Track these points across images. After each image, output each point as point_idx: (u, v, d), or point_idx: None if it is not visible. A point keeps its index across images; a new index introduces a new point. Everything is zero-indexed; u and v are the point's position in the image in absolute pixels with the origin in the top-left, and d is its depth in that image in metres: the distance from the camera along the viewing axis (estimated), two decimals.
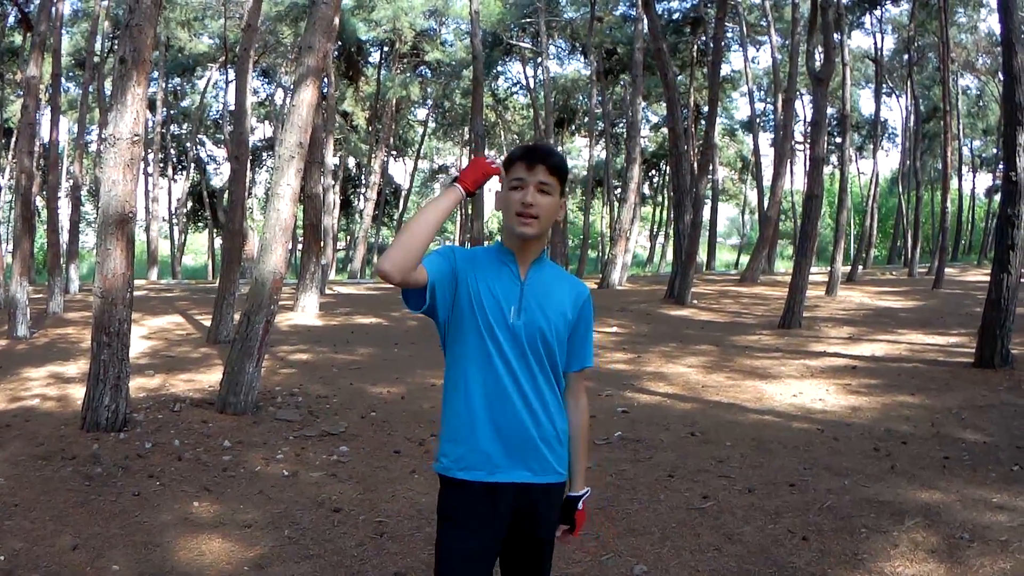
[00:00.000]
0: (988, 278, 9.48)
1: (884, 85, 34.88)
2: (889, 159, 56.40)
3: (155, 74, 35.12)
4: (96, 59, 24.48)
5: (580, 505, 2.54)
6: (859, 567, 4.03)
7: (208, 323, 13.14)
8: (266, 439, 6.67)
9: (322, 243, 21.36)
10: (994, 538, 4.28)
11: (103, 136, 6.59)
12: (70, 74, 34.08)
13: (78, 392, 7.81)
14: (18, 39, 26.07)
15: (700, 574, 4.00)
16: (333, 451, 6.39)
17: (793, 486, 5.30)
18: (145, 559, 4.26)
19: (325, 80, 24.35)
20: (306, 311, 16.18)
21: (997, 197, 47.50)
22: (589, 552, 4.28)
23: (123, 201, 6.36)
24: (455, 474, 2.38)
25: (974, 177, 49.54)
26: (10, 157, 30.50)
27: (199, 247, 58.29)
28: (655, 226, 52.03)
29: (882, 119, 38.26)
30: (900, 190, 37.74)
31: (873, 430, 6.77)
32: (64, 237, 20.60)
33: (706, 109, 26.30)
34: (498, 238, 2.58)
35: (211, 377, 9.11)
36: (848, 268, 25.37)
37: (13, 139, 26.09)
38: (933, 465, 5.70)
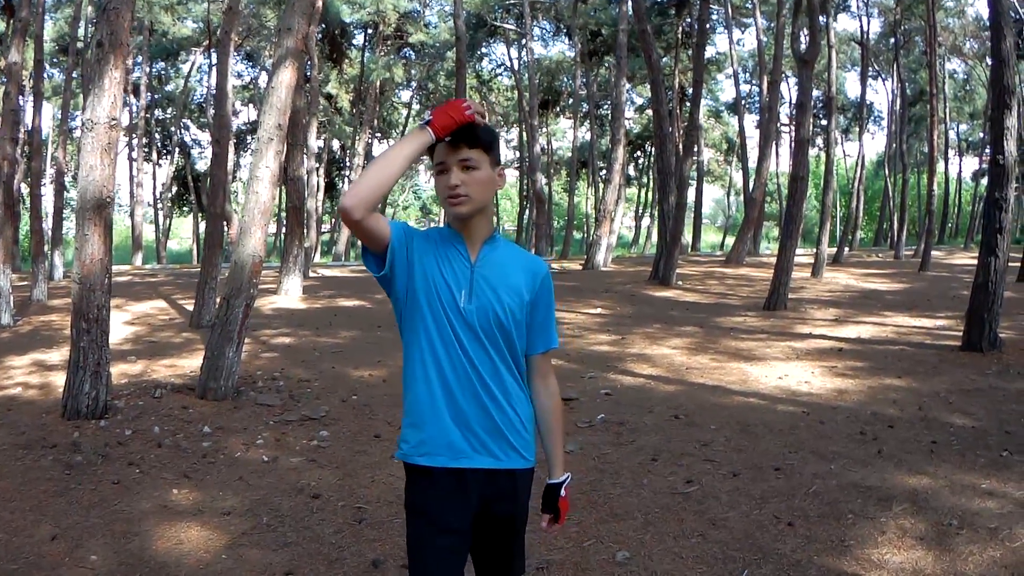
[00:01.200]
0: (975, 261, 9.48)
1: (870, 68, 34.89)
2: (875, 142, 56.67)
3: (139, 59, 34.88)
4: (80, 45, 24.15)
5: (563, 492, 2.46)
6: (846, 554, 3.99)
7: (192, 308, 13.03)
8: (246, 424, 6.62)
9: (305, 226, 21.25)
10: (983, 525, 4.24)
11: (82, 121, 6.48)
12: (54, 60, 33.69)
13: (60, 379, 7.69)
14: (1, 25, 25.71)
15: (684, 561, 3.97)
16: (313, 436, 6.34)
17: (778, 470, 5.27)
18: (123, 548, 4.21)
19: (308, 62, 24.15)
20: (289, 294, 16.08)
21: (984, 181, 47.85)
22: (571, 538, 4.25)
23: (100, 186, 6.27)
24: (416, 460, 2.31)
25: (960, 161, 49.84)
26: None
27: (184, 232, 58.03)
28: (640, 207, 52.05)
29: (868, 102, 38.42)
30: (886, 173, 37.85)
31: (859, 413, 6.74)
32: (48, 224, 20.41)
33: (691, 91, 26.25)
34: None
35: (193, 362, 9.02)
36: (834, 250, 25.42)
37: None
38: (920, 450, 5.66)
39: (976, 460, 5.38)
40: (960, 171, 50.09)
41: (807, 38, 14.72)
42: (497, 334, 2.29)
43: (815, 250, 20.27)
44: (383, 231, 2.23)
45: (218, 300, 9.60)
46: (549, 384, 2.49)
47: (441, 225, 2.46)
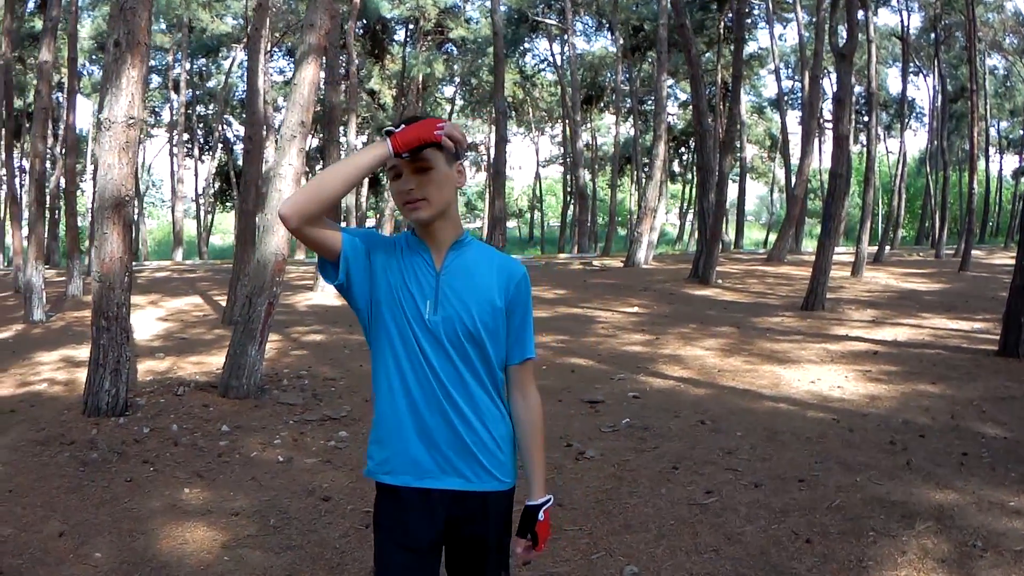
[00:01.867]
0: (1014, 261, 9.15)
1: (911, 64, 34.20)
2: (917, 139, 55.57)
3: (179, 55, 35.24)
4: None
5: (541, 515, 2.24)
6: (863, 575, 3.81)
7: (225, 304, 13.10)
8: (265, 424, 6.58)
9: (346, 222, 21.32)
10: (1008, 547, 4.00)
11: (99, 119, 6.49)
12: (92, 57, 34.17)
13: (86, 376, 7.77)
14: (39, 24, 26.13)
15: None
16: (332, 436, 6.28)
17: (802, 482, 5.06)
18: (128, 546, 4.19)
19: (345, 58, 24.19)
20: (326, 291, 16.14)
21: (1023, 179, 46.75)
22: (579, 549, 4.12)
23: (119, 185, 6.27)
24: (381, 478, 2.20)
25: (1001, 159, 48.77)
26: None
27: (228, 227, 58.61)
28: (684, 204, 51.55)
29: (909, 98, 37.59)
30: (927, 170, 37.10)
31: (890, 421, 6.50)
32: (86, 220, 20.65)
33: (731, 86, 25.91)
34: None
35: (221, 359, 8.95)
36: (875, 249, 24.93)
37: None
38: (950, 462, 5.41)
39: (1007, 475, 5.12)
40: (1001, 169, 49.08)
41: (846, 32, 14.41)
42: (467, 346, 2.14)
43: (856, 248, 19.84)
44: (330, 240, 2.11)
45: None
46: (528, 397, 2.29)
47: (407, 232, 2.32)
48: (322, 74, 22.95)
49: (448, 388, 2.13)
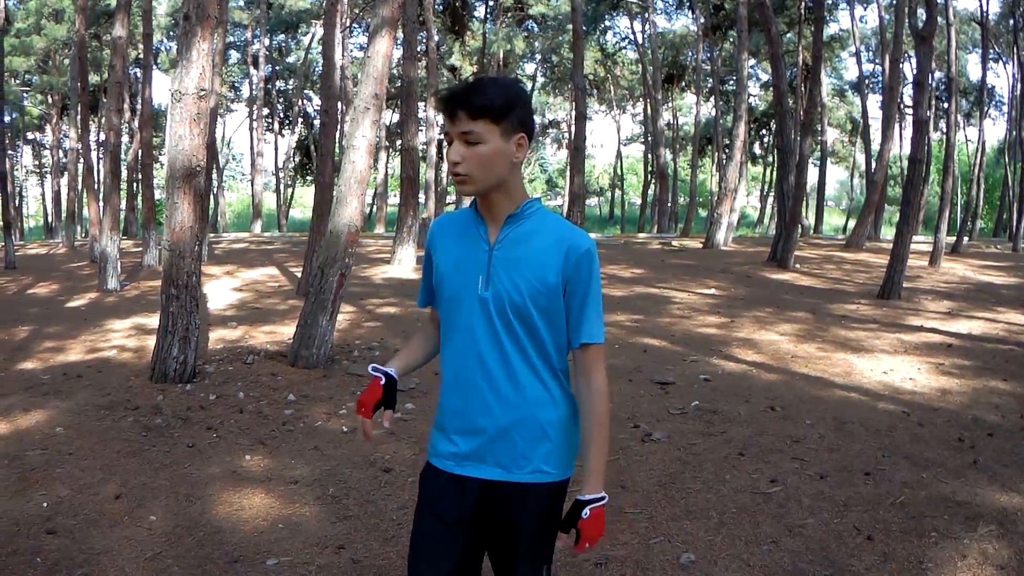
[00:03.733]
0: None
1: (991, 50, 32.85)
2: (996, 128, 53.51)
3: (257, 31, 35.71)
4: None
5: (587, 512, 2.02)
6: None
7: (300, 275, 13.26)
8: (332, 394, 6.61)
9: (423, 196, 21.37)
10: None
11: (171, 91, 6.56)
12: (170, 33, 34.87)
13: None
14: (113, 1, 26.81)
15: (751, 569, 3.67)
16: (399, 408, 6.26)
17: (868, 475, 4.87)
18: (183, 511, 4.23)
19: (424, 34, 24.20)
20: (403, 264, 16.26)
21: None
22: (638, 533, 4.02)
23: (190, 155, 6.34)
24: (430, 459, 2.17)
25: None
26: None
27: (308, 200, 59.46)
28: (765, 186, 50.55)
29: (989, 85, 36.11)
30: (1006, 160, 35.65)
31: (960, 417, 6.24)
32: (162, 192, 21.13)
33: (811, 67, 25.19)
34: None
35: (292, 329, 9.09)
36: (953, 239, 24.10)
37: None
38: (1017, 463, 5.16)
39: None
40: None
41: (924, 14, 13.86)
42: (516, 325, 2.01)
43: (934, 238, 19.18)
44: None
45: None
46: (591, 384, 2.08)
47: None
48: (399, 48, 23.08)
49: (491, 369, 2.02)
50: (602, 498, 2.03)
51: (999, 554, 3.85)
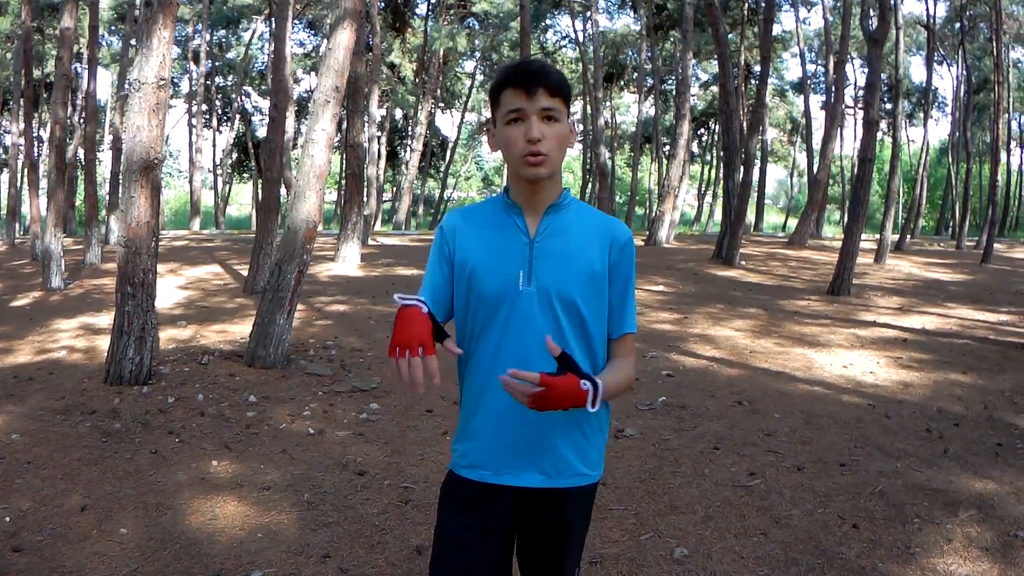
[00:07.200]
0: None
1: (936, 53, 33.76)
2: (939, 128, 55.10)
3: (199, 26, 35.02)
4: (137, 13, 24.32)
5: (585, 386, 1.75)
6: (911, 562, 3.67)
7: (246, 273, 12.98)
8: (294, 394, 6.45)
9: (366, 194, 21.13)
10: None
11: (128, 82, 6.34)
12: (112, 28, 34.03)
13: (107, 344, 7.59)
14: None
15: (744, 562, 3.67)
16: (363, 408, 6.13)
17: (844, 466, 4.94)
18: (155, 522, 4.03)
19: (369, 30, 23.95)
20: (347, 261, 16.02)
21: None
22: (627, 531, 3.97)
23: (148, 147, 6.11)
24: (460, 471, 2.02)
25: (1021, 152, 48.34)
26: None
27: (244, 198, 58.60)
28: (703, 185, 51.19)
29: (933, 87, 37.13)
30: (949, 161, 36.71)
31: (925, 409, 6.37)
32: (105, 189, 20.61)
33: (757, 68, 25.55)
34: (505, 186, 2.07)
35: (244, 328, 8.90)
36: (896, 237, 24.67)
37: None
38: (986, 452, 5.30)
39: None
40: (1021, 163, 48.78)
41: (876, 17, 14.12)
42: (563, 320, 1.91)
43: (879, 236, 19.63)
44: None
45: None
46: (626, 360, 2.02)
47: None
48: None
49: (536, 368, 1.78)
50: (596, 385, 1.76)
51: (982, 537, 3.94)
